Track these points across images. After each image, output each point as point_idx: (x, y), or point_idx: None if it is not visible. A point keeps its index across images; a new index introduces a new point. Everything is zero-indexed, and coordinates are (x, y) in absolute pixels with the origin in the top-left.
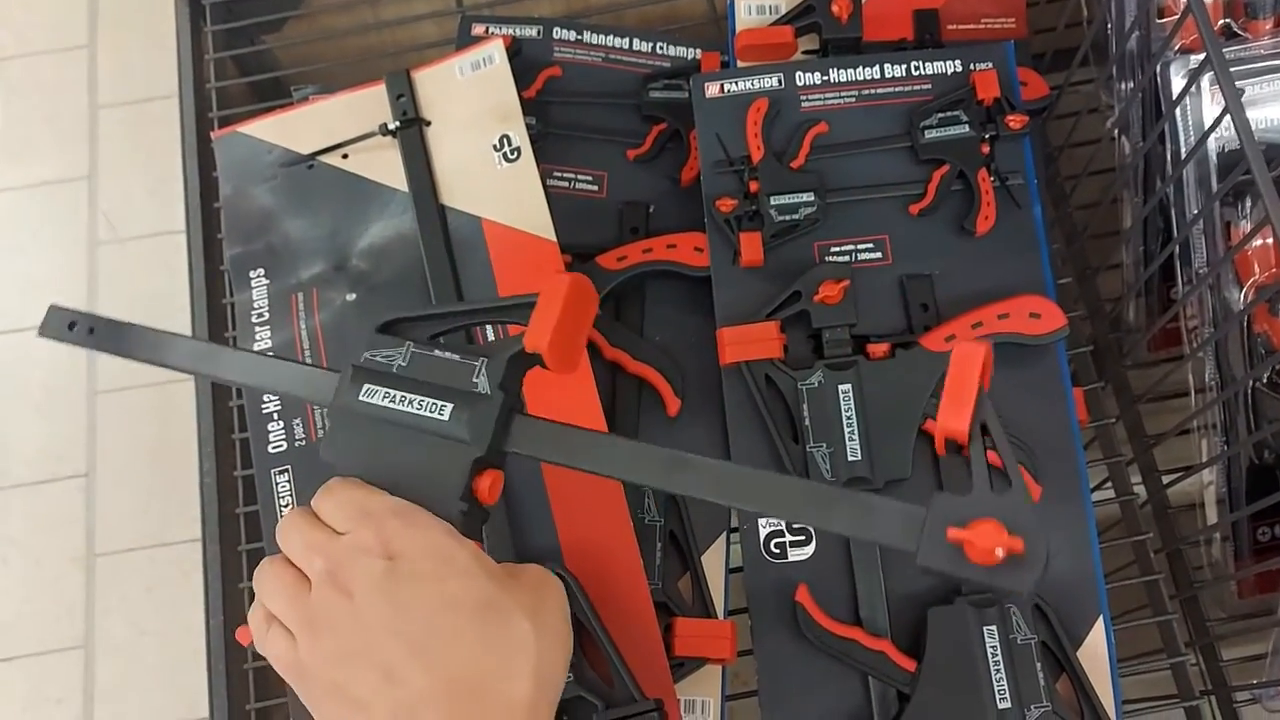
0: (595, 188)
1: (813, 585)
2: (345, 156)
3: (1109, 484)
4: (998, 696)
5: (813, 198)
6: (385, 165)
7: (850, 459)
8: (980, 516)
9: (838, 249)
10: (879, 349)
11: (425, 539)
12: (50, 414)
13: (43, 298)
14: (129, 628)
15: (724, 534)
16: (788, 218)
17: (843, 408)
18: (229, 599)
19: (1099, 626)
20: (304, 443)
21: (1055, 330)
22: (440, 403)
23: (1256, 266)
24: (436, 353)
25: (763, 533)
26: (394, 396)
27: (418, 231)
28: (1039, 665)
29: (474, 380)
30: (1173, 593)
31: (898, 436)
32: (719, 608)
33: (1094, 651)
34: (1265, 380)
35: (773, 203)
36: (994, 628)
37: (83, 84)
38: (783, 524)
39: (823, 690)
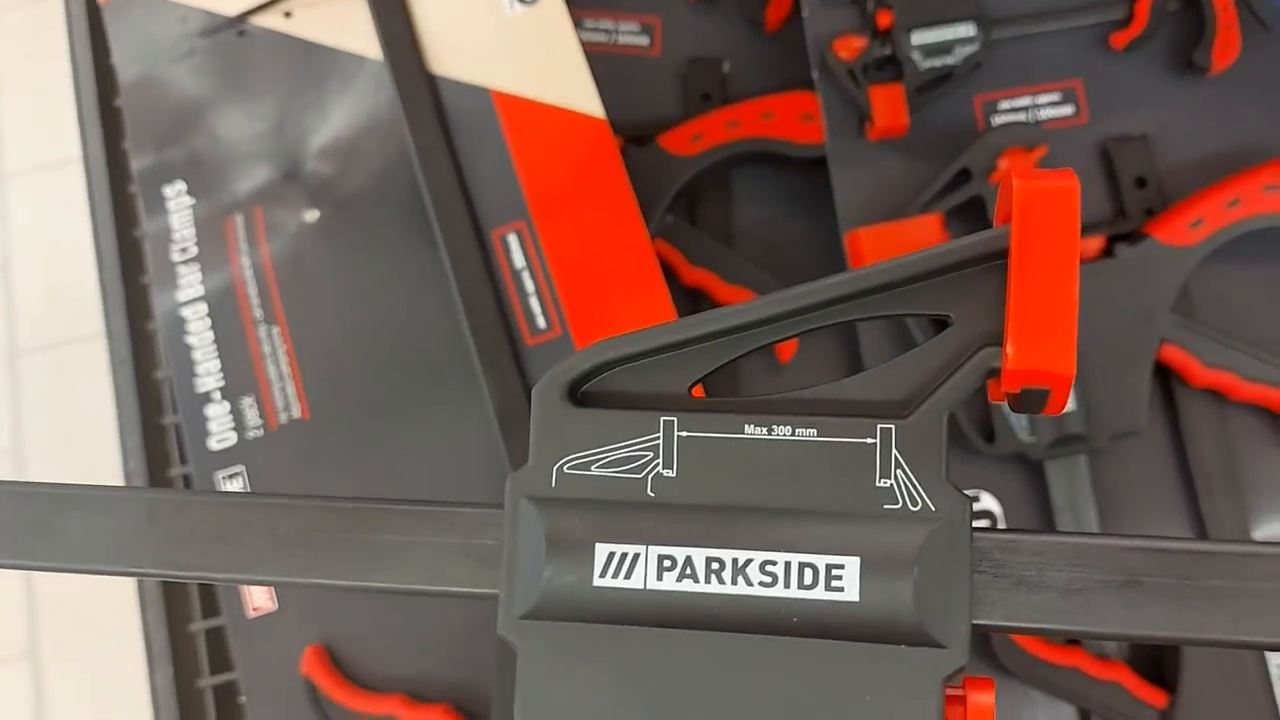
0: (646, 41)
1: None
2: (289, 15)
3: None
4: None
5: (973, 30)
6: (346, 24)
7: None
8: None
9: (1010, 104)
10: (1089, 246)
11: None
12: None
13: None
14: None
15: None
16: (938, 61)
17: None
18: (177, 643)
19: None
20: (261, 433)
21: None
22: (828, 557)
23: None
24: (750, 429)
25: None
26: (688, 564)
27: (399, 116)
28: None
29: (876, 483)
30: None
31: (1128, 372)
32: None
33: None
34: None
35: (915, 41)
36: None
37: None
38: None
39: None
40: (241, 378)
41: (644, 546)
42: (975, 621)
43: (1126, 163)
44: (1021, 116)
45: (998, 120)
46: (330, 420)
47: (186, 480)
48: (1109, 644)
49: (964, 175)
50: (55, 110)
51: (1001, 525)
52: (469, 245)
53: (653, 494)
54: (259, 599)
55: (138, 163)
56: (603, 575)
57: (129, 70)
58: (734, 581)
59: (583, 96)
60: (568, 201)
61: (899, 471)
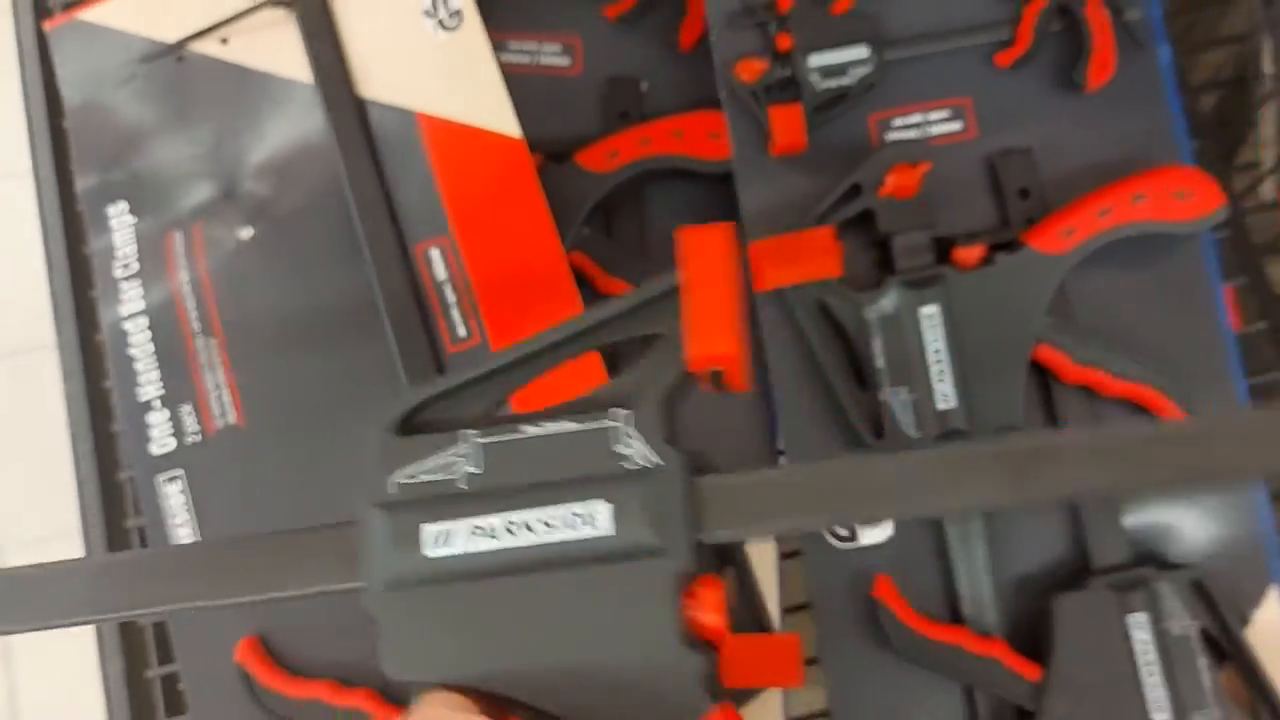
0: (567, 61)
1: (896, 575)
2: (225, 42)
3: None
4: (1152, 707)
5: (867, 52)
6: (279, 50)
7: (940, 406)
8: None
9: (903, 121)
10: (971, 255)
11: None
12: None
13: None
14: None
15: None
16: (834, 82)
17: (927, 339)
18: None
19: (1272, 600)
20: (199, 438)
21: (1210, 213)
22: (588, 505)
23: None
24: (527, 430)
25: None
26: (492, 528)
27: (329, 137)
28: (1202, 660)
29: (617, 450)
30: None
31: (1004, 372)
32: (773, 609)
33: (1268, 632)
34: None
35: (813, 63)
36: (1142, 616)
37: None
38: None
39: (915, 710)
40: (180, 386)
41: (459, 521)
42: (699, 537)
43: (1011, 175)
44: (914, 133)
45: (891, 136)
46: (264, 426)
47: (132, 483)
48: (989, 622)
49: (855, 190)
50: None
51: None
52: (394, 259)
53: (464, 486)
54: None
55: (82, 183)
56: (431, 548)
57: (74, 95)
58: (527, 534)
59: (501, 118)
60: (487, 217)
61: (633, 440)
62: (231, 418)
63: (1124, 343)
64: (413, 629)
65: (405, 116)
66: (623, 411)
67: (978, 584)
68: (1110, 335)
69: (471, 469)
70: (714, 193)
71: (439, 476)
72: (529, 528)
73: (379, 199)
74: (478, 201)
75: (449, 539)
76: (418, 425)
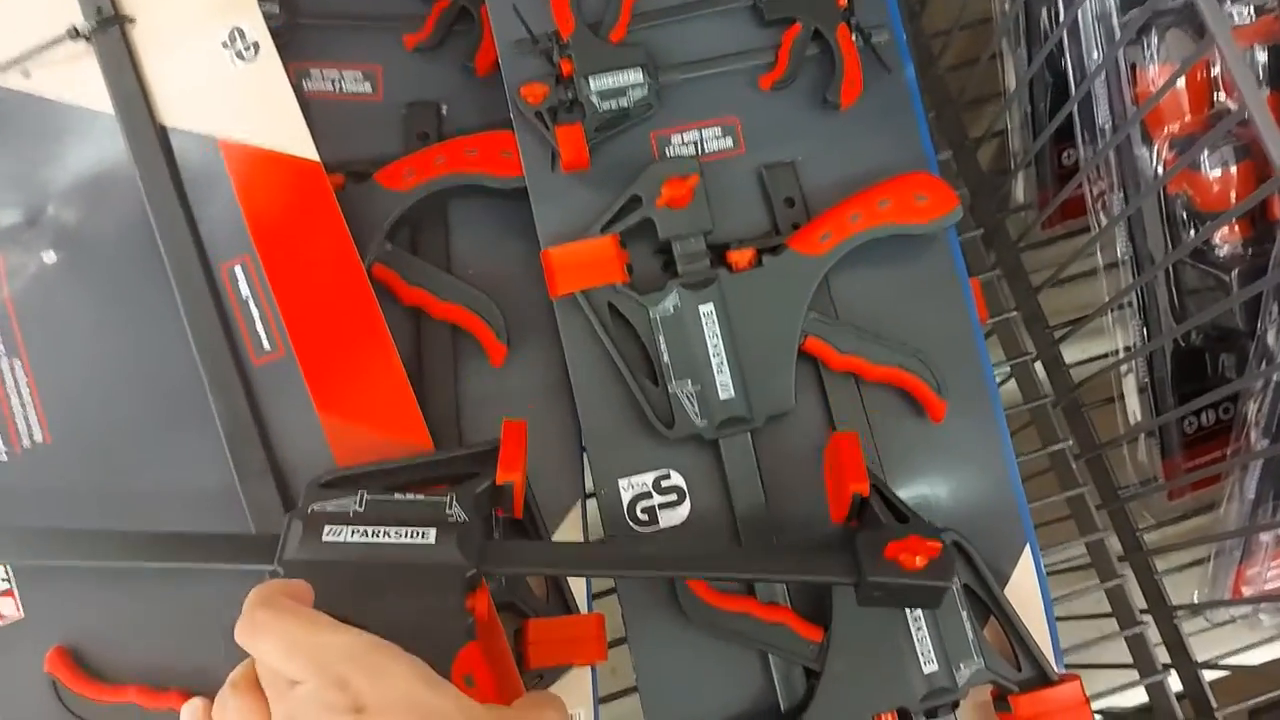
0: (369, 88)
1: (693, 549)
2: (27, 75)
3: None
4: (922, 659)
5: (642, 76)
6: (81, 81)
7: (722, 396)
8: (901, 537)
9: (680, 139)
10: (742, 257)
11: (397, 691)
12: None
13: None
14: None
15: (578, 503)
16: (613, 104)
17: (706, 335)
18: None
19: (1026, 558)
20: (5, 457)
21: (947, 214)
22: (424, 529)
23: (1167, 116)
24: (397, 496)
25: (625, 497)
26: (366, 531)
27: (133, 164)
28: (964, 614)
29: (448, 513)
30: (1098, 503)
31: (776, 362)
32: (580, 597)
33: (1023, 587)
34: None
35: (593, 87)
36: None
37: None
38: (649, 483)
39: (716, 677)
40: None
41: (348, 526)
42: (480, 564)
43: (778, 186)
44: (690, 149)
45: (671, 152)
46: (72, 444)
47: None
48: (774, 590)
49: (636, 201)
50: None
51: (687, 497)
52: (197, 278)
53: (360, 509)
54: (5, 608)
55: None
56: (326, 536)
57: None
58: (388, 539)
59: (298, 142)
60: (288, 235)
61: (455, 508)
62: (39, 436)
63: (885, 333)
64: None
65: (207, 142)
66: (453, 493)
67: (763, 544)
68: (873, 327)
69: (358, 508)
70: (513, 207)
71: (339, 509)
72: (389, 535)
73: (181, 221)
74: (278, 221)
75: (340, 534)
76: (331, 485)
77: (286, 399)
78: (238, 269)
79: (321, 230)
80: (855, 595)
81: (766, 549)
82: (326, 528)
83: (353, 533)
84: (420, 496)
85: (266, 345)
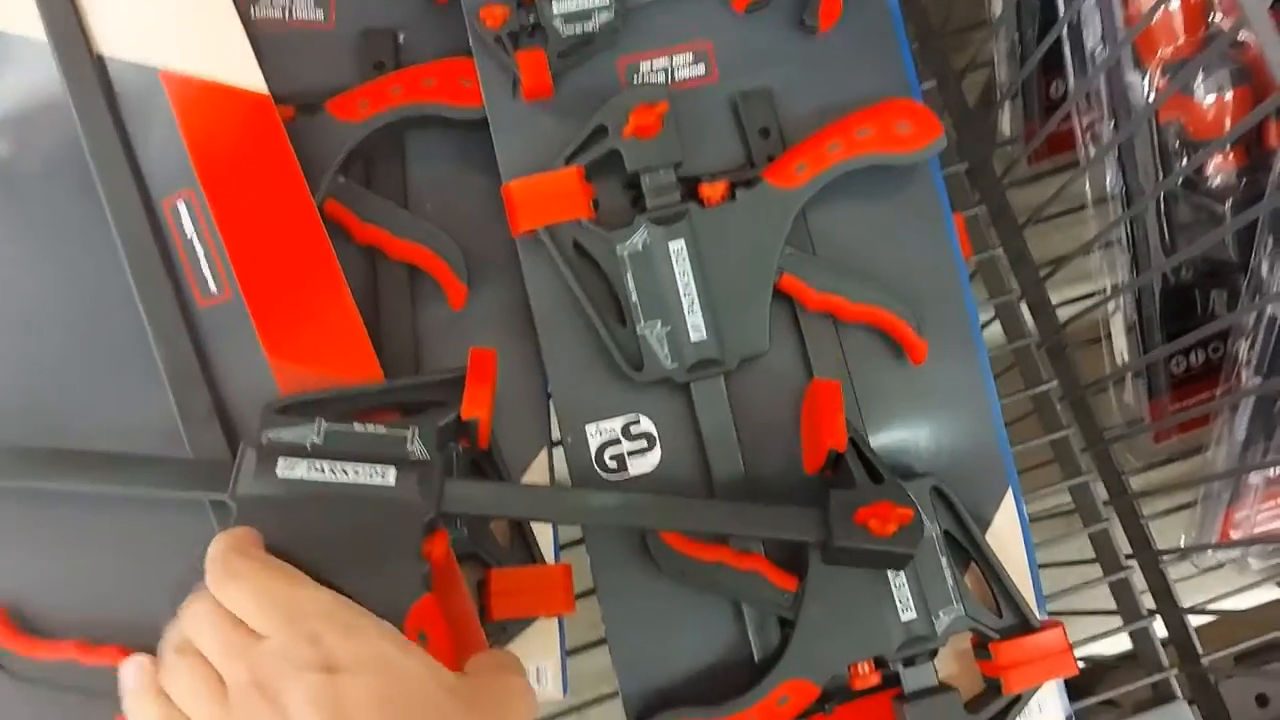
0: (320, 15)
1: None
2: None
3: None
4: (900, 607)
5: None
6: (12, 6)
7: (693, 338)
8: (874, 501)
9: (649, 66)
10: (715, 191)
11: (370, 650)
12: None
13: None
14: None
15: (544, 450)
16: (578, 28)
17: (677, 273)
18: None
19: (1008, 502)
20: None
21: (930, 143)
22: (382, 467)
23: (1160, 39)
24: (357, 427)
25: (593, 444)
26: (322, 467)
27: (67, 95)
28: (945, 561)
29: (409, 449)
30: (1082, 446)
31: (750, 301)
32: (548, 548)
33: (1005, 533)
34: (1180, 179)
35: (556, 9)
36: None
37: None
38: (618, 430)
39: (688, 628)
40: None
41: (303, 460)
42: (441, 504)
43: (752, 115)
44: (660, 77)
45: (639, 80)
46: (7, 389)
47: None
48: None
49: (602, 131)
50: None
51: (658, 443)
52: (137, 215)
53: (318, 440)
54: None
55: None
56: (282, 472)
57: None
58: (343, 475)
59: (245, 72)
60: (234, 170)
61: (416, 444)
62: None
63: (865, 271)
64: (259, 518)
65: (147, 73)
66: (415, 427)
67: (736, 494)
68: (852, 264)
69: (315, 439)
70: (474, 140)
71: (294, 440)
72: (345, 472)
73: (119, 154)
74: (224, 156)
75: (295, 469)
76: (287, 410)
77: (234, 343)
78: (180, 205)
79: (270, 165)
80: (821, 554)
81: (734, 503)
82: (281, 460)
83: (309, 468)
84: (381, 429)
85: (213, 287)
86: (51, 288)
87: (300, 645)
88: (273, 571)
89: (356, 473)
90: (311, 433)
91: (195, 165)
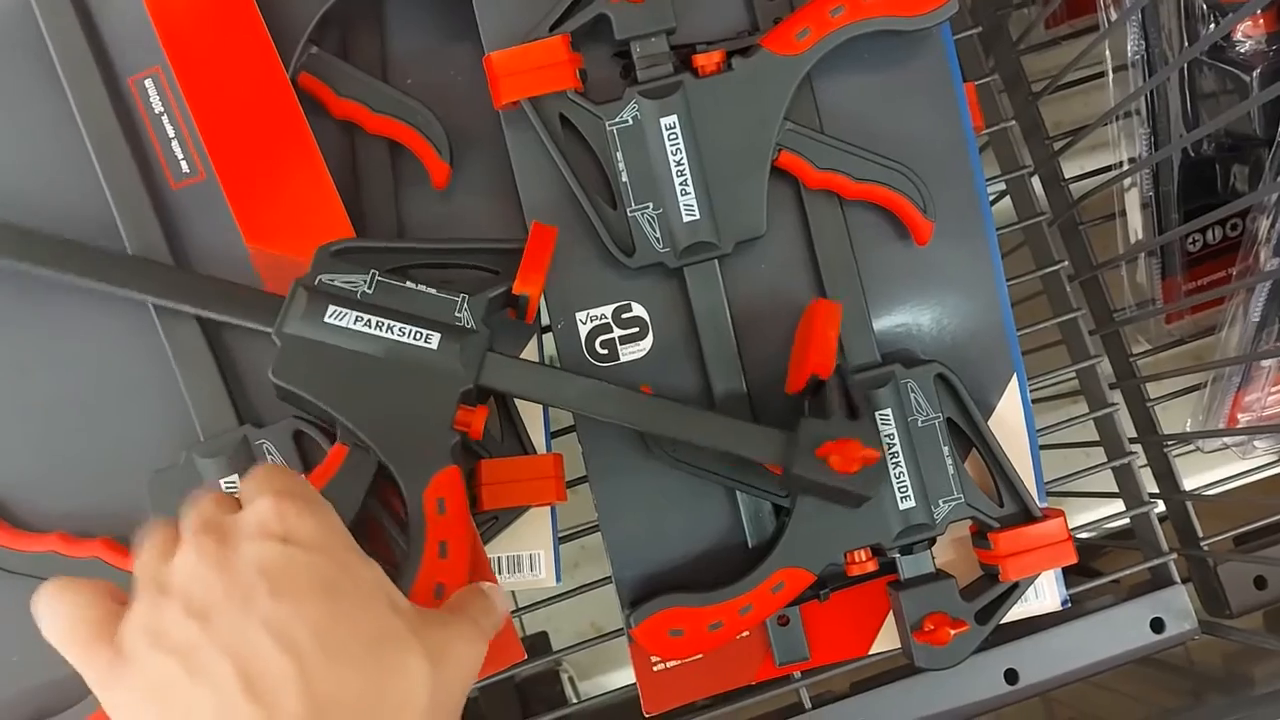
0: None
1: (656, 387)
2: None
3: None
4: (898, 495)
5: None
6: None
7: (686, 219)
8: (841, 437)
9: None
10: (710, 60)
11: (333, 541)
12: None
13: None
14: None
15: (532, 338)
16: None
17: (669, 149)
18: None
19: (1013, 389)
20: None
21: (942, 5)
22: (427, 331)
23: None
24: (409, 284)
25: (583, 330)
26: (369, 321)
27: None
28: (946, 449)
29: (456, 315)
30: (1092, 328)
31: (746, 179)
32: (538, 437)
33: (1009, 418)
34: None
35: None
36: (888, 412)
37: None
38: (608, 315)
39: (681, 514)
40: None
41: (352, 310)
42: (480, 375)
43: None
44: None
45: None
46: None
47: None
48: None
49: None
50: None
51: (650, 331)
52: (99, 93)
53: (369, 290)
54: None
55: None
56: (328, 318)
57: None
58: (388, 333)
59: None
60: (203, 43)
61: (464, 312)
62: None
63: (871, 144)
64: (301, 360)
65: None
66: (466, 295)
67: (733, 392)
68: (857, 138)
69: (366, 290)
70: (457, 7)
71: (346, 287)
72: (390, 329)
73: (77, 31)
74: (192, 28)
75: (343, 318)
76: (345, 254)
77: (209, 226)
78: (148, 82)
79: (240, 35)
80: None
81: (699, 411)
82: (330, 308)
83: (356, 319)
84: (432, 290)
85: (185, 168)
86: (9, 167)
87: (269, 517)
88: (282, 472)
89: (402, 331)
90: (364, 282)
91: (162, 39)
